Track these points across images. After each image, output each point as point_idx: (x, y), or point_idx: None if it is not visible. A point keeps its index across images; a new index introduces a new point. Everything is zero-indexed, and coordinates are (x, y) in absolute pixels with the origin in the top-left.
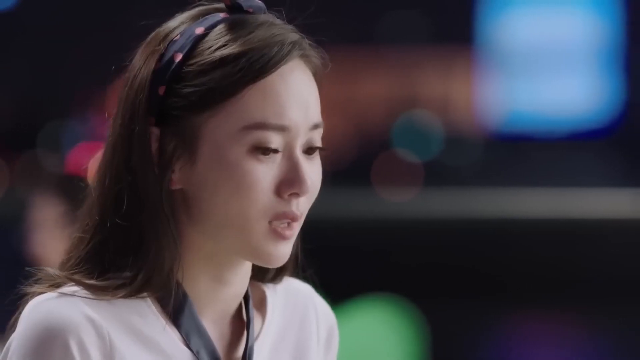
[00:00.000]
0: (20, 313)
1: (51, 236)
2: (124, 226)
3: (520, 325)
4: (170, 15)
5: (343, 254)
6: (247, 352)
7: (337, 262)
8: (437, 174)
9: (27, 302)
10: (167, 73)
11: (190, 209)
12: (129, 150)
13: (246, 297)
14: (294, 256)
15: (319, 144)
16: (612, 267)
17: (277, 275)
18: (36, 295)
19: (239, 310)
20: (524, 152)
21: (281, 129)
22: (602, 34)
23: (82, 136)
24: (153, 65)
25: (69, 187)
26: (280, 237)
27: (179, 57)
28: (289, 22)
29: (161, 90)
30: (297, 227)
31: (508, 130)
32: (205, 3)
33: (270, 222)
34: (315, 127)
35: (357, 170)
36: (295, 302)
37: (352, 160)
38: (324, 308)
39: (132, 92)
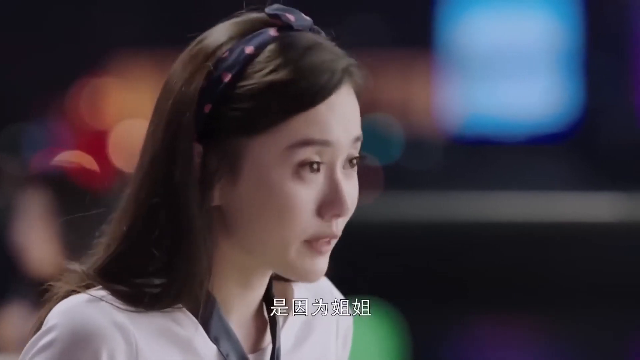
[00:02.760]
0: (46, 310)
1: (36, 229)
2: (156, 239)
3: (482, 329)
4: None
5: None
6: (275, 354)
7: None
8: (397, 178)
9: (54, 299)
10: (214, 92)
11: (228, 225)
12: (171, 166)
13: (268, 298)
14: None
15: (357, 154)
16: (573, 270)
17: None
18: (64, 294)
19: (260, 308)
20: (484, 156)
21: (325, 143)
22: (561, 37)
23: (44, 140)
24: (201, 83)
25: (56, 182)
26: (317, 253)
27: (227, 77)
28: (335, 40)
29: (207, 108)
30: (334, 243)
31: (468, 133)
32: (250, 10)
33: (307, 241)
34: (357, 140)
35: None
36: (316, 294)
37: None
38: (344, 304)
39: (176, 106)
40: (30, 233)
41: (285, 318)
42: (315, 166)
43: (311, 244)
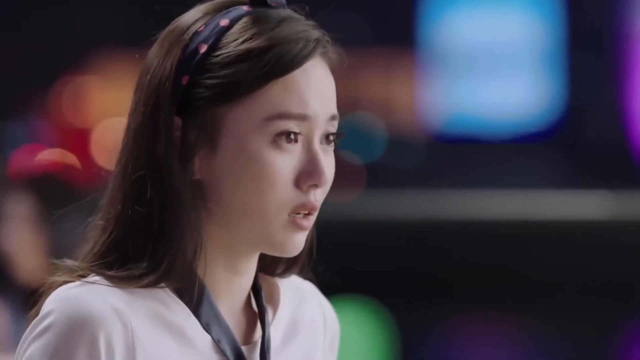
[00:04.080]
0: (42, 301)
1: (21, 233)
2: (146, 215)
3: (462, 327)
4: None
5: None
6: (265, 342)
7: None
8: (379, 176)
9: (49, 290)
10: (191, 64)
11: (208, 200)
12: (152, 139)
13: (257, 288)
14: (308, 252)
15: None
16: (556, 268)
17: (287, 269)
18: (59, 284)
19: (248, 301)
20: (467, 155)
21: (303, 117)
22: (543, 36)
23: (24, 138)
24: (178, 55)
25: (41, 184)
26: (297, 227)
27: (203, 48)
28: (310, 17)
29: (184, 80)
30: (313, 218)
31: (450, 132)
32: None
33: (289, 214)
34: (333, 118)
35: None
36: (302, 298)
37: None
38: (329, 308)
39: (155, 81)
40: (17, 238)
41: (274, 314)
42: (292, 136)
43: (293, 219)
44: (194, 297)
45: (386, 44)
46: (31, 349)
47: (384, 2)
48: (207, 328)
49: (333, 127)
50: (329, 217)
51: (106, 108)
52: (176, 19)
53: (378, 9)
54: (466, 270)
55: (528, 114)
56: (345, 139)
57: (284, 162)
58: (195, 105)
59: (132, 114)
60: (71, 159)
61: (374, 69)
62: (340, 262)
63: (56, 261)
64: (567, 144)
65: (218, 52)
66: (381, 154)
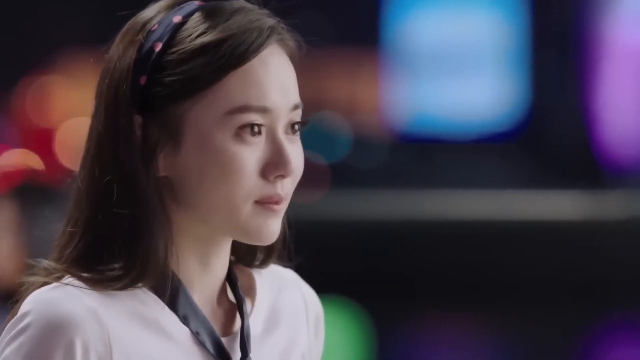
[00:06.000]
0: (19, 302)
1: (2, 240)
2: (116, 217)
3: (425, 327)
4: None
5: None
6: (245, 331)
7: None
8: (344, 176)
9: (26, 291)
10: (147, 63)
11: (177, 195)
12: (114, 141)
13: (232, 280)
14: (281, 240)
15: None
16: (520, 268)
17: (265, 259)
18: (38, 286)
19: (224, 292)
20: (431, 155)
21: (263, 110)
22: (508, 35)
23: None
24: (134, 56)
25: (19, 191)
26: (268, 211)
27: (158, 47)
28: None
29: (142, 80)
30: (284, 205)
31: (415, 132)
32: None
33: (256, 202)
34: (296, 107)
35: None
36: (281, 286)
37: None
38: (311, 294)
39: (114, 83)
40: None
41: (253, 305)
42: (256, 129)
43: (261, 203)
44: (169, 291)
45: (350, 44)
46: (7, 351)
47: (348, 2)
48: (184, 321)
49: (297, 116)
50: (293, 218)
51: (70, 108)
52: (130, 20)
53: (342, 8)
54: (431, 271)
55: (493, 114)
56: (309, 138)
57: (249, 155)
58: (155, 104)
59: (94, 118)
60: (35, 159)
61: (339, 69)
62: (304, 262)
63: (33, 261)
64: (532, 144)
65: (173, 49)
66: (345, 154)
